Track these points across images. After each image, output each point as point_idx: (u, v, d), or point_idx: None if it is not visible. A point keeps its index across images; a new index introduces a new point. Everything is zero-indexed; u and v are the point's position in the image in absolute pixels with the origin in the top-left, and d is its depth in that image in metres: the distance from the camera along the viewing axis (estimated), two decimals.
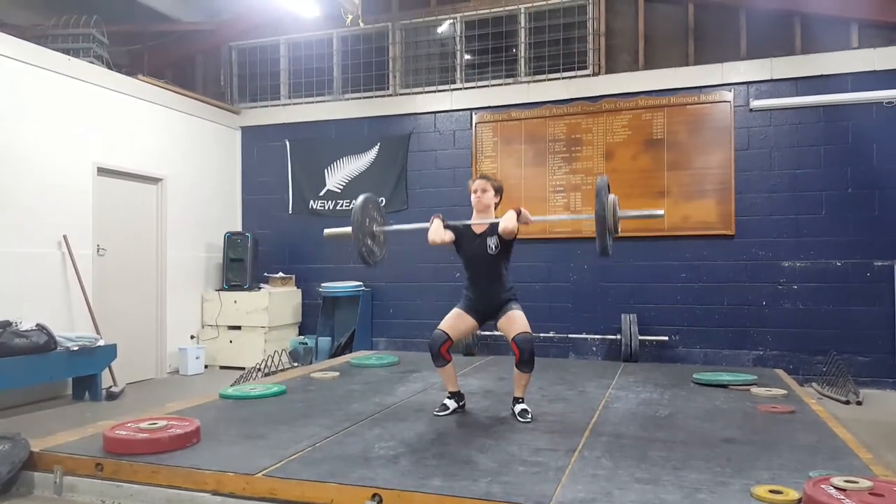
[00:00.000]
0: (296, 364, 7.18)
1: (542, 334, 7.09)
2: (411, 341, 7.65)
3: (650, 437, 3.46)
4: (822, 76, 6.46)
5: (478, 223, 4.04)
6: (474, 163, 7.49)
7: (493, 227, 3.96)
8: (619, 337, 6.79)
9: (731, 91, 6.74)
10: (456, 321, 4.03)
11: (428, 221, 4.09)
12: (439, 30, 7.91)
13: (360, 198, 4.17)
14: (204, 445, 3.25)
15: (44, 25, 6.75)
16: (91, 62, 6.54)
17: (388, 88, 8.02)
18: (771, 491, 2.51)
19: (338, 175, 8.13)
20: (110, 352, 5.93)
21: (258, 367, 6.48)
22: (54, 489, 3.00)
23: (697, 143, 6.82)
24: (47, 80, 6.00)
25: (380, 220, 4.32)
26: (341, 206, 7.98)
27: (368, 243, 4.15)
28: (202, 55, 8.80)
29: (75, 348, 5.53)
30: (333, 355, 7.48)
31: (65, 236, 6.03)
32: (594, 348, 7.11)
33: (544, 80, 7.35)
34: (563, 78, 7.28)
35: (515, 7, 7.49)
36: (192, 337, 7.67)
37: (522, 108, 7.39)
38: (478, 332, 7.09)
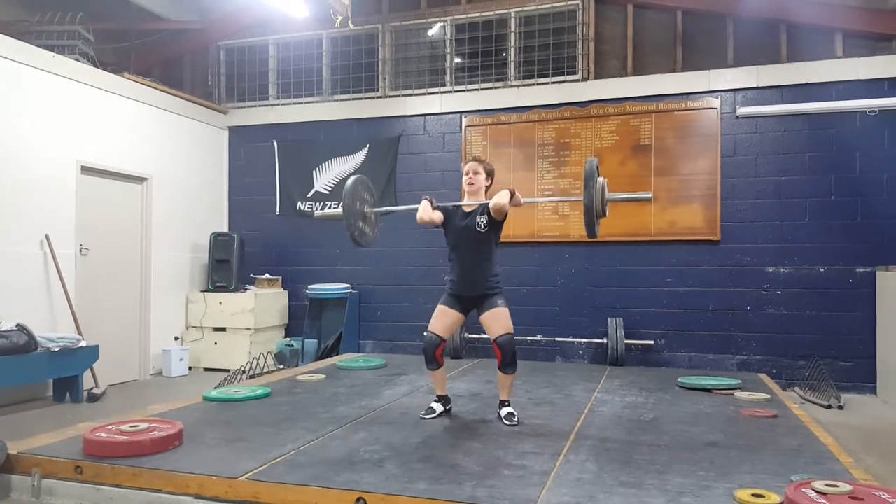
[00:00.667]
0: (281, 366, 7.14)
1: (528, 338, 7.11)
2: (398, 344, 7.63)
3: (635, 441, 3.47)
4: (807, 84, 6.53)
5: (468, 204, 4.02)
6: (463, 166, 7.47)
7: (483, 207, 3.94)
8: (605, 341, 6.81)
9: (717, 98, 6.80)
10: (444, 319, 3.99)
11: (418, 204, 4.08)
12: (429, 32, 7.92)
13: (350, 181, 4.10)
14: (186, 448, 3.21)
15: (28, 21, 6.68)
16: (76, 59, 6.47)
17: (377, 90, 8.01)
18: (753, 495, 2.52)
19: (326, 176, 8.10)
20: (92, 353, 5.87)
21: (243, 369, 6.43)
22: (32, 492, 2.95)
23: (684, 149, 6.86)
24: (31, 77, 5.93)
25: (370, 199, 4.30)
26: (329, 207, 7.95)
27: (360, 226, 4.13)
28: (190, 54, 8.74)
29: (56, 349, 5.46)
30: (320, 358, 7.45)
31: (47, 235, 5.96)
32: (581, 352, 7.13)
33: (534, 85, 7.37)
34: (553, 82, 7.31)
35: (506, 11, 7.51)
36: (176, 338, 7.60)
37: (512, 112, 7.41)
38: (466, 335, 7.14)
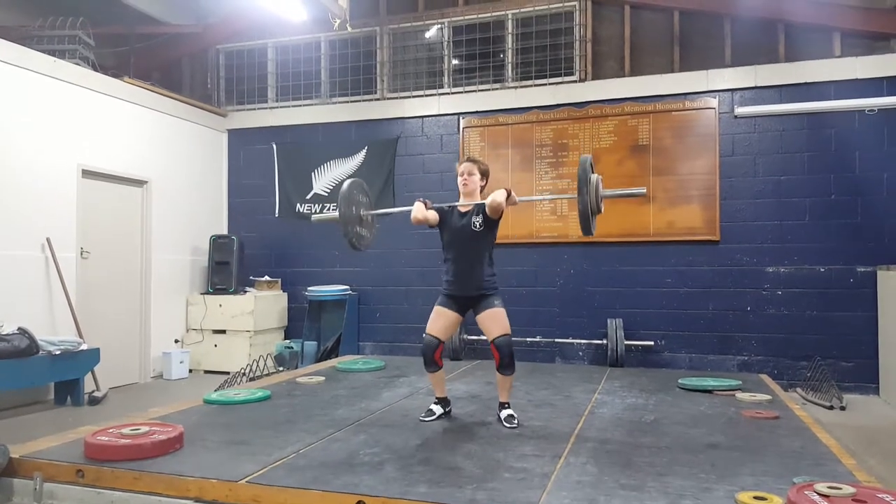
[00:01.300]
0: (281, 369, 7.13)
1: (528, 339, 7.11)
2: (398, 346, 7.63)
3: (635, 443, 3.46)
4: (805, 84, 6.54)
5: (464, 204, 4.02)
6: (458, 166, 7.47)
7: (478, 207, 3.93)
8: (605, 342, 6.81)
9: (715, 98, 6.80)
10: (441, 321, 3.98)
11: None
12: (427, 34, 7.92)
13: (345, 186, 4.08)
14: (187, 451, 3.21)
15: (29, 27, 6.69)
16: (77, 64, 6.48)
17: (375, 92, 8.02)
18: (755, 497, 2.51)
19: (325, 178, 8.10)
20: (93, 356, 5.87)
21: (243, 371, 6.43)
22: (34, 496, 2.95)
23: (682, 150, 6.87)
24: (32, 82, 5.94)
25: (366, 201, 4.29)
26: (328, 209, 7.95)
27: (357, 230, 4.13)
28: (189, 58, 8.75)
29: (57, 352, 5.46)
30: (319, 360, 7.44)
31: (48, 239, 5.97)
32: (580, 353, 7.13)
33: (531, 86, 7.38)
34: (550, 83, 7.32)
35: (503, 13, 7.52)
36: (176, 341, 7.60)
37: (509, 113, 7.41)
38: (465, 336, 7.14)
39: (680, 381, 5.23)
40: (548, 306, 7.21)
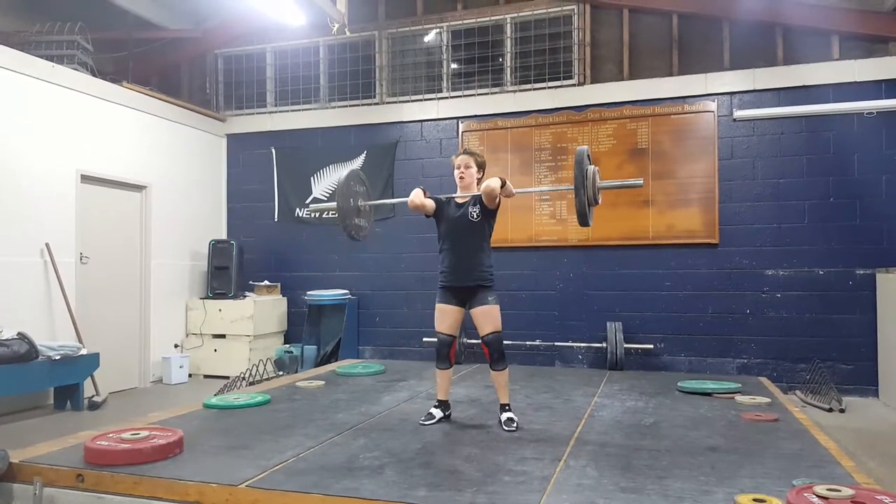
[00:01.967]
0: (281, 373, 7.13)
1: (528, 342, 7.10)
2: (397, 350, 7.63)
3: (635, 446, 3.46)
4: (804, 87, 6.55)
5: (461, 196, 4.02)
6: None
7: (475, 198, 3.94)
8: (604, 345, 6.81)
9: (714, 101, 6.81)
10: (447, 319, 3.97)
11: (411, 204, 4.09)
12: (426, 39, 7.94)
13: (342, 179, 4.09)
14: (187, 456, 3.21)
15: (27, 32, 6.69)
16: (75, 69, 6.49)
17: (374, 97, 8.03)
18: (754, 499, 2.51)
19: (324, 183, 8.11)
20: (93, 361, 5.87)
21: (243, 376, 6.43)
22: (34, 501, 2.94)
23: (681, 153, 6.88)
24: (31, 87, 5.95)
25: (363, 190, 4.30)
26: (327, 213, 7.95)
27: (355, 222, 4.15)
28: (188, 63, 8.77)
29: (57, 357, 5.46)
30: (319, 364, 7.44)
31: (47, 244, 5.97)
32: (580, 356, 7.13)
33: (530, 90, 7.39)
34: (549, 87, 7.33)
35: (501, 17, 7.54)
36: (175, 346, 7.60)
37: (509, 117, 7.43)
38: (465, 340, 7.14)
39: (679, 384, 5.23)
40: (547, 310, 7.21)
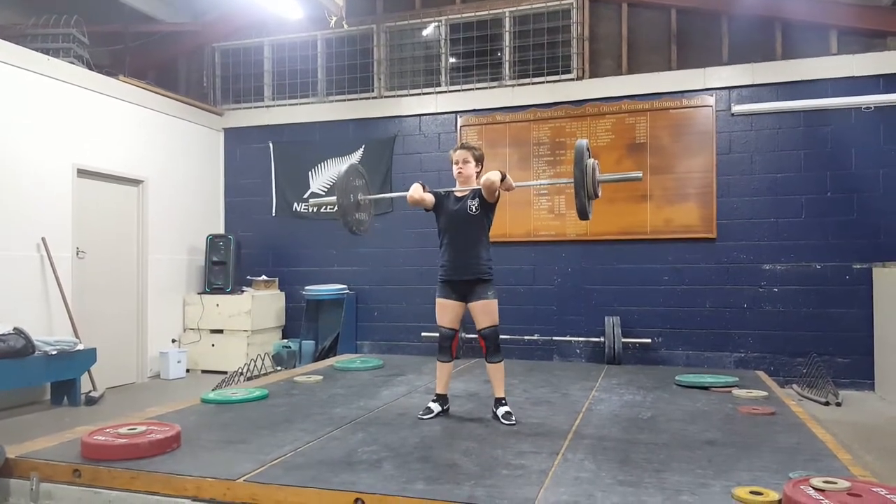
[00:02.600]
0: (279, 368, 7.13)
1: (526, 337, 7.11)
2: (396, 344, 7.63)
3: (633, 440, 3.47)
4: (802, 81, 6.55)
5: (460, 189, 4.03)
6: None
7: (475, 192, 3.95)
8: (602, 339, 6.82)
9: (712, 96, 6.81)
10: (448, 313, 3.99)
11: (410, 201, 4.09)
12: (424, 32, 7.92)
13: (341, 174, 4.08)
14: (184, 451, 3.21)
15: (23, 25, 6.66)
16: (71, 62, 6.46)
17: (372, 91, 8.01)
18: (751, 492, 2.52)
19: (322, 177, 8.09)
20: (90, 356, 5.86)
21: (241, 371, 6.43)
22: (30, 496, 2.94)
23: (680, 147, 6.87)
24: (26, 81, 5.92)
25: (362, 184, 4.30)
26: (325, 208, 7.94)
27: (356, 217, 4.17)
28: (185, 56, 8.73)
29: (54, 353, 5.45)
30: (317, 359, 7.44)
31: (43, 239, 5.95)
32: (578, 351, 7.14)
33: (529, 84, 7.38)
34: (548, 82, 7.32)
35: (500, 11, 7.52)
36: (173, 341, 7.59)
37: (507, 112, 7.41)
38: (464, 335, 7.13)
39: (677, 377, 5.25)
40: (546, 304, 7.21)
